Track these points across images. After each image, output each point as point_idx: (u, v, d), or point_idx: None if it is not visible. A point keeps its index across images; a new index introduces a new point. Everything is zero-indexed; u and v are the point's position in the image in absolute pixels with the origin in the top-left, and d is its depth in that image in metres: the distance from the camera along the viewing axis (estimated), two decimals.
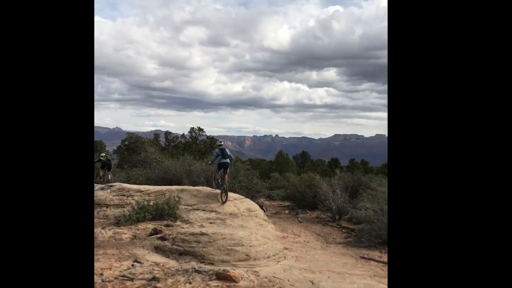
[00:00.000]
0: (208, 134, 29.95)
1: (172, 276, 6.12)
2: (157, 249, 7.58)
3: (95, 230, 8.96)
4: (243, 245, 7.17)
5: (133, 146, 24.06)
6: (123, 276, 5.89)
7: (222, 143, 13.11)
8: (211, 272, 6.23)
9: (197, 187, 12.28)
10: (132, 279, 5.80)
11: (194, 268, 6.45)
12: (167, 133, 29.33)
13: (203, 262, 6.84)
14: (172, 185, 14.59)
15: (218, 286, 5.74)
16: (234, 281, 5.91)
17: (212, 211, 11.10)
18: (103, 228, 9.13)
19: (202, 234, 7.48)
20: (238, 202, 11.85)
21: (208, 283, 5.85)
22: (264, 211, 14.96)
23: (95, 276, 5.89)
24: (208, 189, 12.42)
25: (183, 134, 29.80)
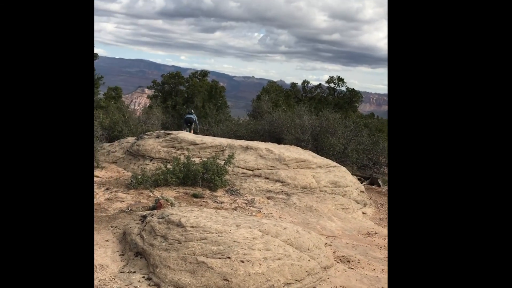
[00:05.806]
0: (349, 86, 25.58)
1: None
2: (123, 238, 4.84)
3: (99, 191, 6.65)
4: (228, 257, 3.93)
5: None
6: None
7: (193, 111, 15.38)
8: None
9: (268, 146, 9.07)
10: None
11: None
12: (305, 83, 26.06)
13: (149, 279, 3.87)
14: (275, 141, 11.76)
15: None
16: None
17: (278, 180, 7.87)
18: (106, 189, 6.76)
19: (178, 225, 4.44)
20: (321, 172, 8.32)
21: None
22: (379, 186, 11.09)
23: None
24: (288, 149, 9.15)
25: (320, 84, 26.03)
